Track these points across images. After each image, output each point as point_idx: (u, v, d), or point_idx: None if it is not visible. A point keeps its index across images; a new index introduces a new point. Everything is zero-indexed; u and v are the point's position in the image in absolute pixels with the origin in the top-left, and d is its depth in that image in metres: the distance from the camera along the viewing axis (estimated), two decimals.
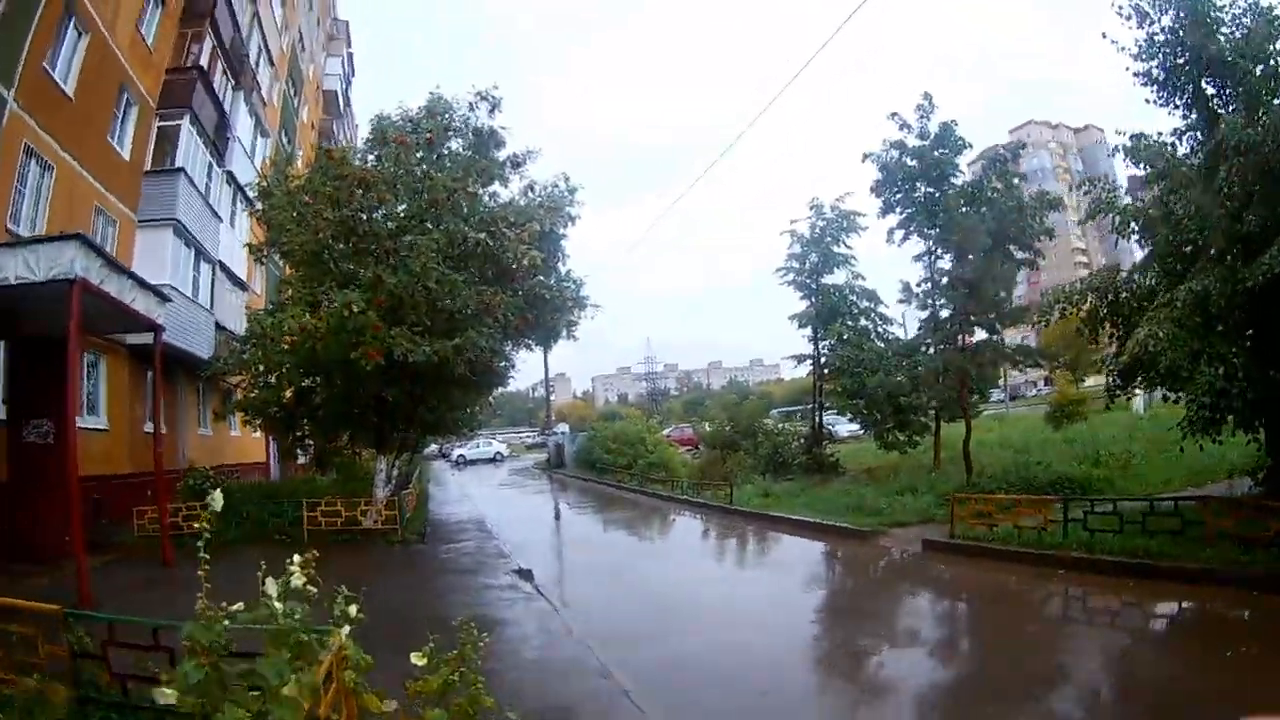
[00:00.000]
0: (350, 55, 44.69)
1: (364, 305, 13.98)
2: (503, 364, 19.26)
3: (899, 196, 21.21)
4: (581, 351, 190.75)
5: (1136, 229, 11.87)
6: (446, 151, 17.12)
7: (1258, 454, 11.46)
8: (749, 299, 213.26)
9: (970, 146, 21.59)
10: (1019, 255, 20.11)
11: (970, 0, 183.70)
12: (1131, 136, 11.82)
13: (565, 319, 18.16)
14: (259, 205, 17.69)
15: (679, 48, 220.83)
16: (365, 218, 15.79)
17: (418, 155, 16.62)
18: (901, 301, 22.71)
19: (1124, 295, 11.82)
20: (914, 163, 20.98)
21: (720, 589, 12.27)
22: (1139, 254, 13.98)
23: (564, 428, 56.63)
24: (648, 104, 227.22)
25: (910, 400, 22.38)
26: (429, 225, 15.55)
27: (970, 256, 18.78)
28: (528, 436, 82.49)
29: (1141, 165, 11.93)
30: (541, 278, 16.88)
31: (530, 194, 17.70)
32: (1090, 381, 36.27)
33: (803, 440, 27.47)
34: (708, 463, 27.07)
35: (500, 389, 25.85)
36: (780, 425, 31.90)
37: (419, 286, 14.44)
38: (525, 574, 12.48)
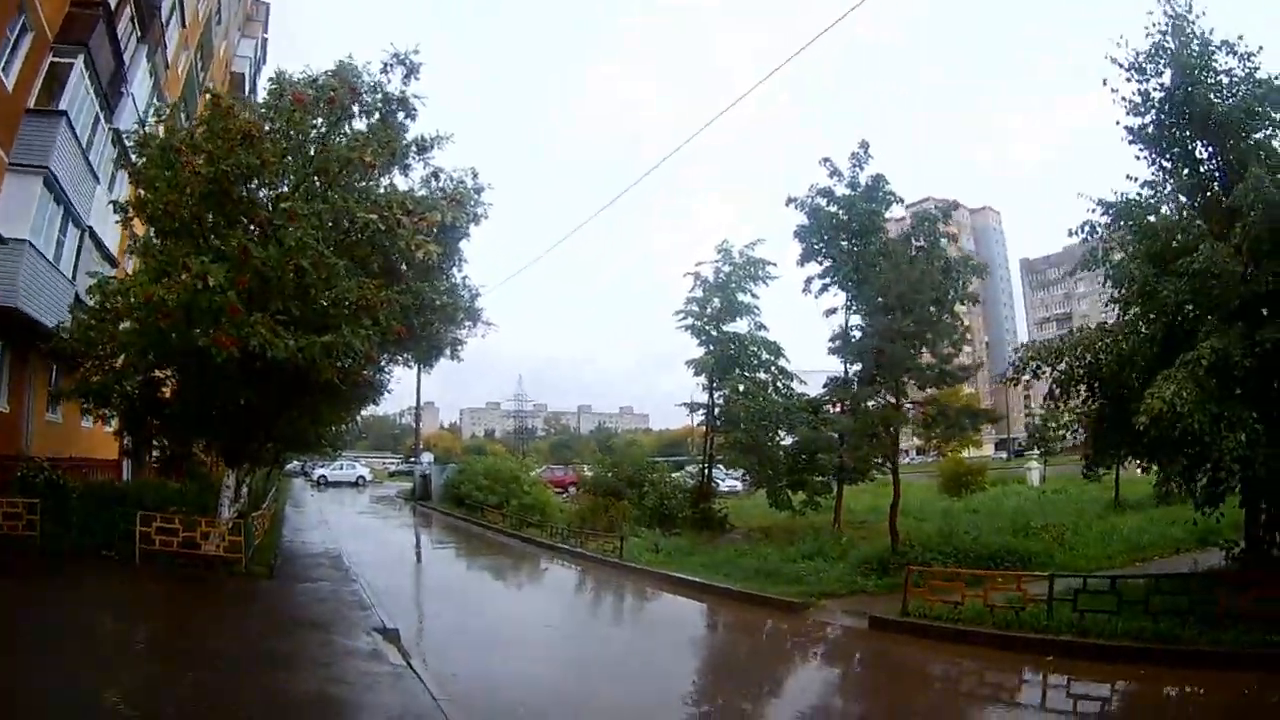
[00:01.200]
0: (265, 41, 41.15)
1: (224, 283, 11.53)
2: (377, 375, 17.23)
3: (820, 246, 21.00)
4: (450, 381, 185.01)
5: (1121, 286, 11.25)
6: (349, 129, 14.69)
7: (1214, 525, 11.26)
8: (626, 344, 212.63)
9: (900, 201, 21.59)
10: (938, 319, 18.86)
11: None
12: (1120, 195, 11.48)
13: (451, 334, 16.47)
14: (135, 159, 14.80)
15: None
16: (244, 183, 13.38)
17: (316, 120, 14.14)
18: (833, 352, 21.80)
19: (1104, 356, 10.94)
20: (841, 212, 20.87)
21: (642, 682, 9.54)
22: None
23: (429, 457, 53.50)
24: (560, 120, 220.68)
25: (821, 459, 21.76)
26: (315, 200, 13.33)
27: (891, 315, 17.75)
28: (392, 463, 78.76)
29: (1126, 223, 11.49)
30: (433, 281, 14.86)
31: (434, 182, 15.67)
32: (972, 452, 36.14)
33: (686, 493, 26.25)
34: (589, 509, 25.02)
35: (370, 406, 23.24)
36: (666, 476, 30.30)
37: (290, 266, 12.13)
38: (390, 635, 10.28)
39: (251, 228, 13.06)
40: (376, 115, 14.66)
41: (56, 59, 17.49)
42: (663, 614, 14.89)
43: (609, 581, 17.68)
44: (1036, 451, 43.30)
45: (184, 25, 26.33)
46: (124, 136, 18.03)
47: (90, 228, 19.88)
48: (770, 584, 14.58)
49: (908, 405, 18.86)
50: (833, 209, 20.70)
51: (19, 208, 16.04)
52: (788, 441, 24.08)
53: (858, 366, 20.29)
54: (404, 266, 14.09)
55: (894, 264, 18.43)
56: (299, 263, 12.10)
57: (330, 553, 18.91)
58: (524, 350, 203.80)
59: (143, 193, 14.23)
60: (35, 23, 16.35)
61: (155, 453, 21.84)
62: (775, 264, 25.58)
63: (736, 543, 20.78)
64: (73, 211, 18.51)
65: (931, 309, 17.95)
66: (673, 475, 30.49)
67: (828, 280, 21.14)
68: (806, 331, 35.51)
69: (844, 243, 20.66)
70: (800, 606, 13.19)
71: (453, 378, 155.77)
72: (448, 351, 16.94)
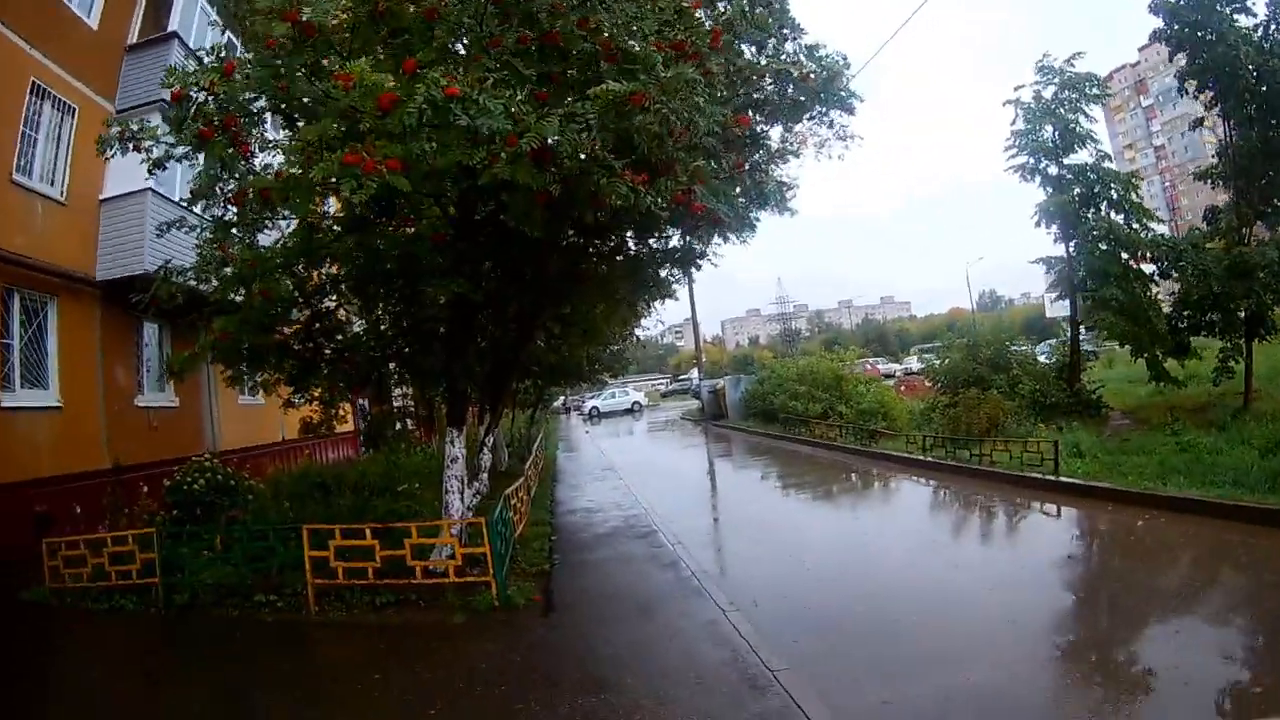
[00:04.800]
0: None
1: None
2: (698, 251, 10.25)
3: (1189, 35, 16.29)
4: (704, 294, 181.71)
5: None
6: None
7: None
8: (879, 234, 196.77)
9: None
10: None
11: None
12: None
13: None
14: None
15: None
16: None
17: None
18: (1207, 177, 18.29)
19: None
20: None
21: None
22: None
23: (696, 373, 48.13)
24: None
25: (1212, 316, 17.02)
26: None
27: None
28: (661, 384, 74.53)
29: None
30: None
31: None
32: None
33: (1056, 374, 20.70)
34: (956, 407, 17.10)
35: (664, 302, 16.90)
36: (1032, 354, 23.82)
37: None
38: None
39: None
40: None
41: None
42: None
43: (1094, 520, 10.41)
44: None
45: None
46: None
47: None
48: None
49: None
50: None
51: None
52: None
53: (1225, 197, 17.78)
54: None
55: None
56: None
57: (635, 525, 12.36)
58: (777, 250, 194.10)
59: None
60: None
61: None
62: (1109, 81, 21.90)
63: (1127, 429, 16.57)
64: None
65: None
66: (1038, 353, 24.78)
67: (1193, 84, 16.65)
68: None
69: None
70: None
71: (707, 290, 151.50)
72: (773, 202, 9.90)
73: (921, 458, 16.12)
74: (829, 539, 10.74)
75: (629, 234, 9.24)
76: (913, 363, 51.34)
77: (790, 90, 8.94)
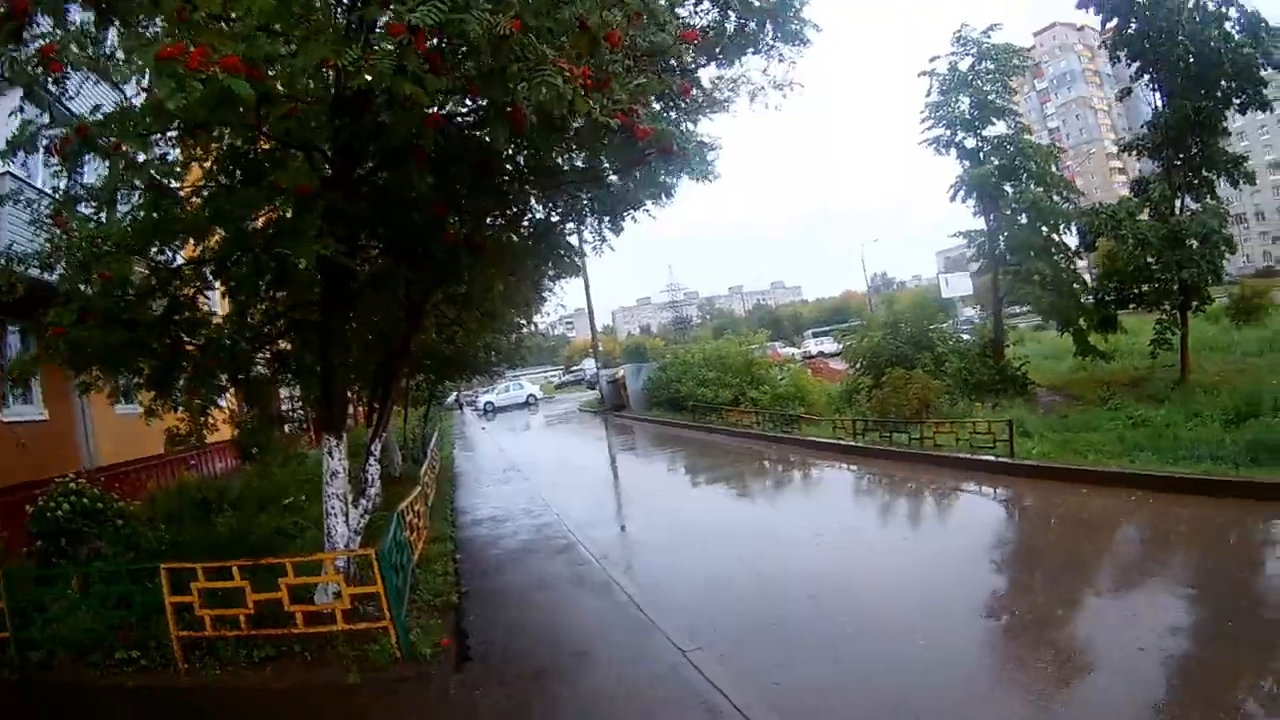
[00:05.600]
0: None
1: None
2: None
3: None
4: (595, 283, 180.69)
5: None
6: None
7: None
8: (766, 214, 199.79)
9: None
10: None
11: None
12: None
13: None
14: None
15: None
16: None
17: None
18: (1132, 148, 17.67)
19: None
20: None
21: None
22: None
23: (591, 363, 46.65)
24: None
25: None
26: None
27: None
28: (554, 376, 72.83)
29: None
30: None
31: None
32: None
33: (980, 351, 20.04)
34: (891, 387, 16.05)
35: (566, 281, 15.34)
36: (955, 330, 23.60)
37: None
38: None
39: None
40: None
41: None
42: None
43: (1092, 506, 8.98)
44: None
45: None
46: None
47: None
48: None
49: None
50: None
51: None
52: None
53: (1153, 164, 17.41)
54: None
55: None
56: None
57: (550, 537, 10.83)
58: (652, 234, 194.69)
59: None
60: None
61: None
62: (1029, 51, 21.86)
63: (1059, 406, 16.32)
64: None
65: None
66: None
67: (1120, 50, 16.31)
68: None
69: None
70: None
71: (597, 280, 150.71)
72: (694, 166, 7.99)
73: (853, 443, 15.05)
74: (786, 544, 9.14)
75: (539, 185, 7.42)
76: (811, 346, 51.41)
77: (734, 11, 7.38)
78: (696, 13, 7.72)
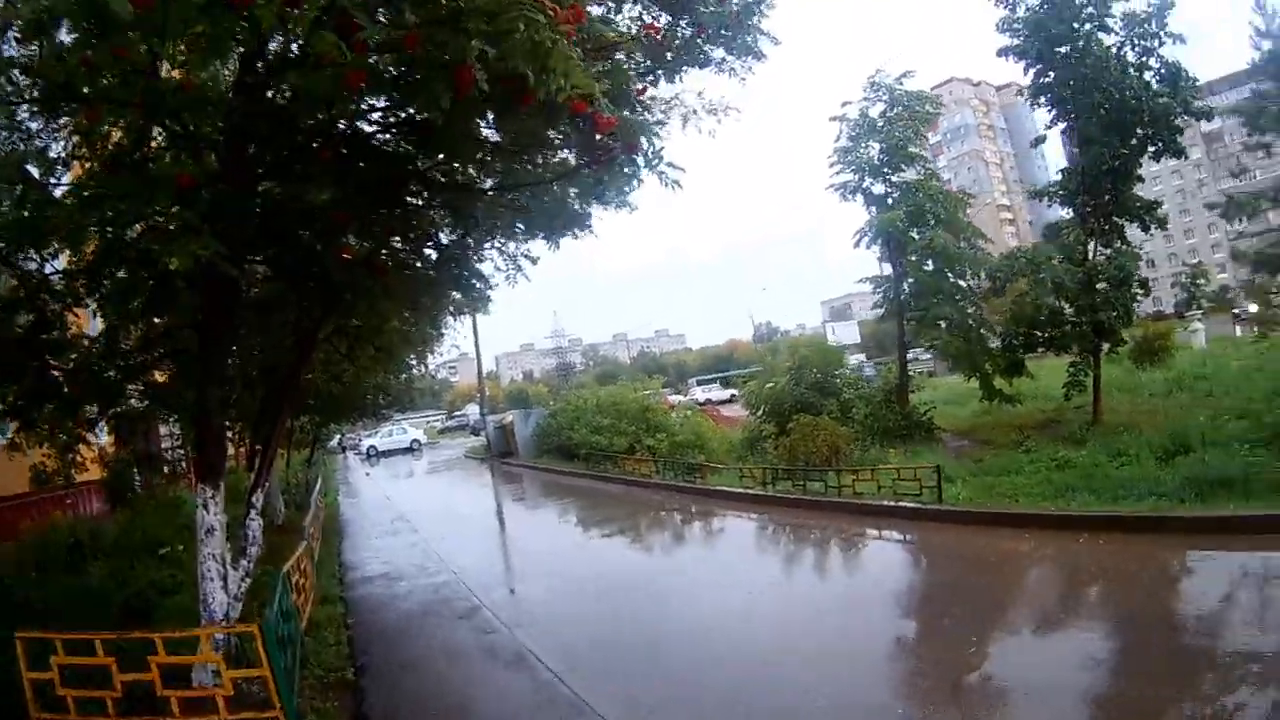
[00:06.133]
0: None
1: None
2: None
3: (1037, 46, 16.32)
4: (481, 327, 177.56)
5: None
6: None
7: None
8: (651, 263, 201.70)
9: None
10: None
11: None
12: None
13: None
14: None
15: None
16: None
17: None
18: (1051, 195, 18.01)
19: None
20: None
21: None
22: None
23: (474, 409, 45.49)
24: None
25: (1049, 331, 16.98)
26: None
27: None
28: (437, 421, 70.65)
29: None
30: None
31: None
32: None
33: (885, 396, 20.12)
34: (800, 434, 15.82)
35: (466, 314, 14.52)
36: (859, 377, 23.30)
37: None
38: None
39: None
40: None
41: None
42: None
43: (1047, 553, 8.89)
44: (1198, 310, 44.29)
45: None
46: None
47: None
48: None
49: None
50: None
51: None
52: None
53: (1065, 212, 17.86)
54: None
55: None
56: None
57: (449, 599, 9.90)
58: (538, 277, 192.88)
59: None
60: None
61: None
62: (940, 99, 22.48)
63: (968, 450, 16.18)
64: None
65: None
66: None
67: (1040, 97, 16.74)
68: None
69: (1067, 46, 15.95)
70: None
71: (481, 323, 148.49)
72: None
73: (763, 492, 14.67)
74: (717, 605, 8.50)
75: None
76: (699, 393, 51.70)
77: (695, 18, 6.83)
78: (649, 14, 7.19)
